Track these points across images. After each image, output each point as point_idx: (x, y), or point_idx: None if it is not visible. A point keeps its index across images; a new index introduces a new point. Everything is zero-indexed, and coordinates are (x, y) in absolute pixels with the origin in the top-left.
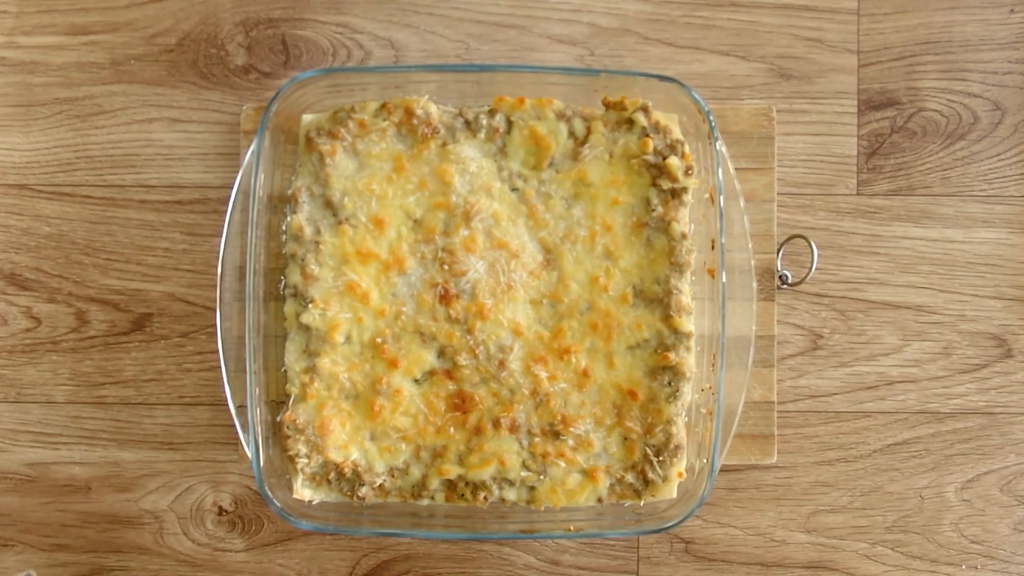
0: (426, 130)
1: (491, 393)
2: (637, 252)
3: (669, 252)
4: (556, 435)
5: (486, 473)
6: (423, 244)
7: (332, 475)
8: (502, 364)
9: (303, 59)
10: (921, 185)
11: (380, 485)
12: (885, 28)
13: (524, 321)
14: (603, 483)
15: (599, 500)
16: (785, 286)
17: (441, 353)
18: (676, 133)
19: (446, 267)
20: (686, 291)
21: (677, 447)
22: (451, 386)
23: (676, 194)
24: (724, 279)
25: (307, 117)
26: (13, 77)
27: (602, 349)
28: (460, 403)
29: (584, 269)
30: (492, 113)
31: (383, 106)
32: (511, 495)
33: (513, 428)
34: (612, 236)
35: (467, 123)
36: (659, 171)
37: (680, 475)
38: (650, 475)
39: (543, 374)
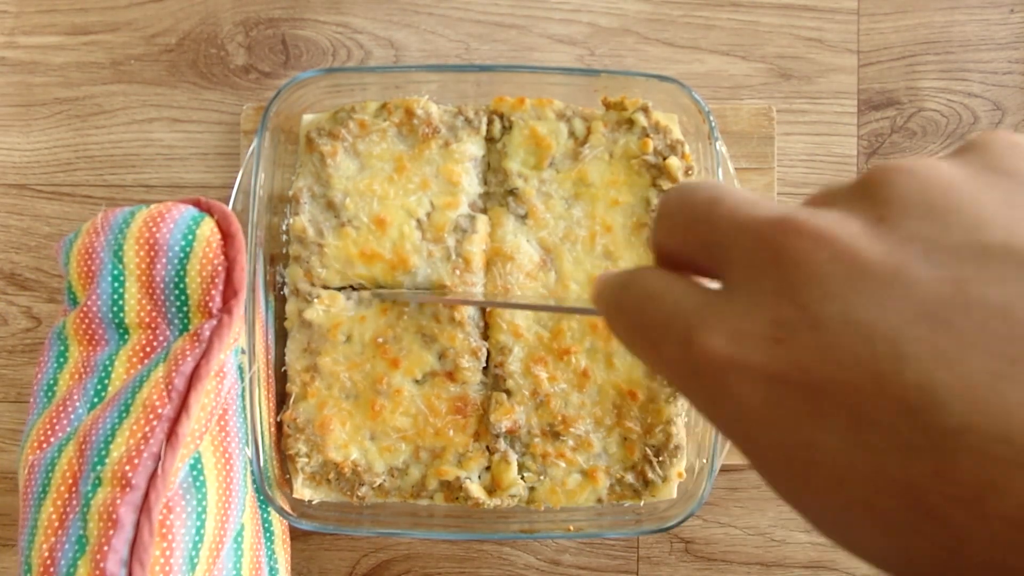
0: (427, 130)
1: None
2: (637, 252)
3: None
4: (556, 435)
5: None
6: (431, 243)
7: (332, 475)
8: (501, 365)
9: (303, 59)
10: None
11: (380, 485)
12: (885, 28)
13: (523, 323)
14: (603, 483)
15: (599, 500)
16: None
17: (442, 355)
18: (676, 133)
19: (458, 272)
20: None
21: (677, 447)
22: (452, 388)
23: None
24: None
25: (307, 117)
26: (13, 77)
27: (601, 349)
28: (463, 406)
29: (584, 269)
30: (493, 114)
31: (383, 106)
32: (511, 501)
33: (513, 430)
34: (612, 236)
35: (467, 121)
36: (659, 171)
37: (680, 475)
38: (650, 475)
39: (543, 375)
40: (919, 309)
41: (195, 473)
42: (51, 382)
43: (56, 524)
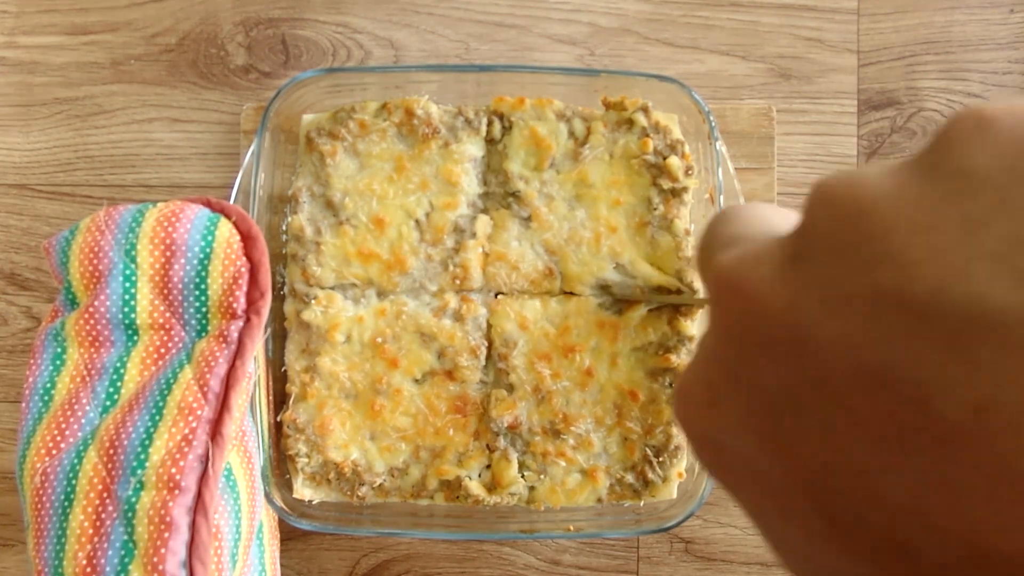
0: (427, 130)
1: (493, 396)
2: (643, 252)
3: (676, 250)
4: (557, 434)
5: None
6: (429, 245)
7: (332, 475)
8: (505, 359)
9: (303, 59)
10: None
11: (380, 485)
12: (885, 28)
13: (531, 315)
14: (603, 483)
15: (599, 500)
16: None
17: (441, 354)
18: (676, 133)
19: (457, 281)
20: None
21: (677, 448)
22: (452, 387)
23: (676, 193)
24: None
25: (307, 117)
26: (13, 77)
27: (607, 349)
28: (462, 405)
29: (590, 271)
30: (493, 114)
31: (383, 106)
32: (512, 499)
33: (515, 426)
34: (617, 237)
35: (467, 121)
36: (659, 171)
37: (680, 475)
38: (650, 476)
39: (546, 371)
40: (814, 384)
41: (227, 473)
42: (48, 385)
43: (91, 531)
